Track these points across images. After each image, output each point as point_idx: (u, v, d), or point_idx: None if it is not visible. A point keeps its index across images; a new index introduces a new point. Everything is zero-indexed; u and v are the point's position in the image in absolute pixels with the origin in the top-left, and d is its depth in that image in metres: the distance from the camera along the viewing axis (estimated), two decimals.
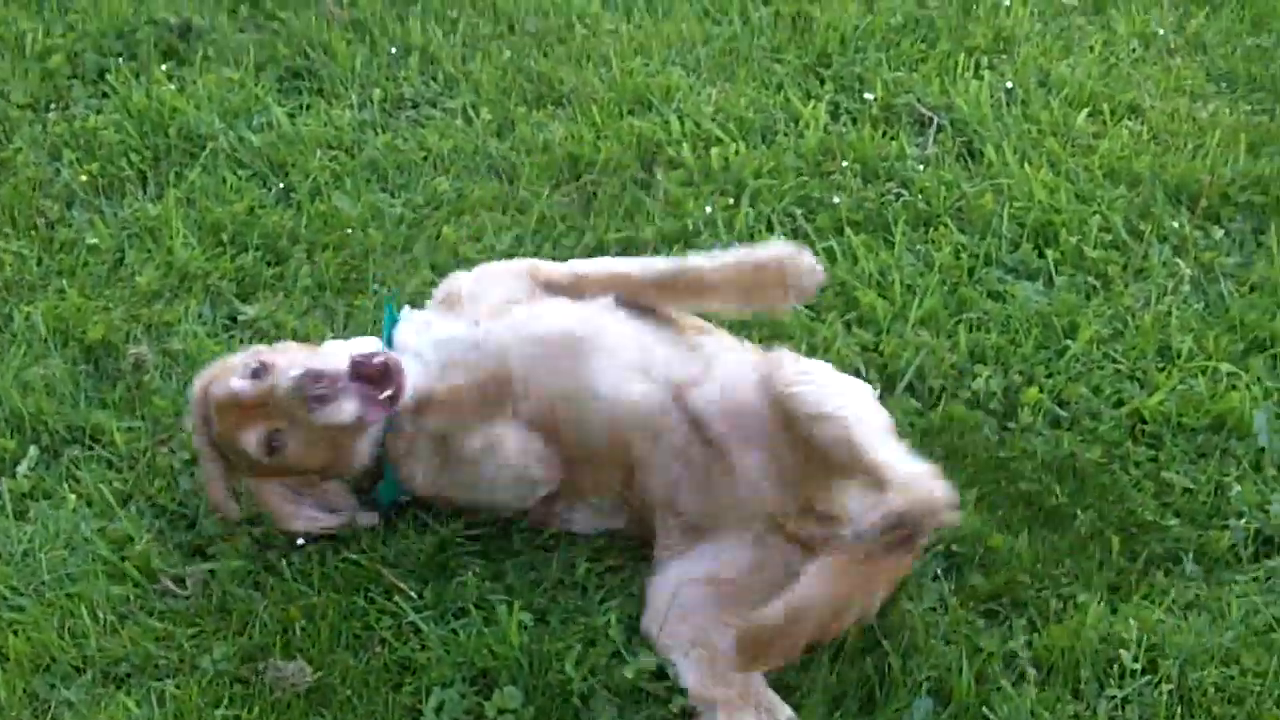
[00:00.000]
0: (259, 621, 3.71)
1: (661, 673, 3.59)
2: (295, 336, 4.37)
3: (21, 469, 4.11)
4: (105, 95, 5.57)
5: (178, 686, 3.53)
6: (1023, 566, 3.83)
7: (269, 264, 4.79)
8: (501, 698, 3.50)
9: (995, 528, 3.93)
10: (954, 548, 3.87)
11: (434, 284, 4.64)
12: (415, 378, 3.71)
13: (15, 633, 3.65)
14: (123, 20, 5.90)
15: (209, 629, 3.70)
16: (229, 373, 3.70)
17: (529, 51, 5.79)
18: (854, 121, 5.43)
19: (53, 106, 5.52)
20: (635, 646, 3.60)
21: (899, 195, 5.08)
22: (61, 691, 3.54)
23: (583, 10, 6.02)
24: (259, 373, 3.64)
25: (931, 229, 4.93)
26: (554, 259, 4.73)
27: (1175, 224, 4.97)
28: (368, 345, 3.79)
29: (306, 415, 3.57)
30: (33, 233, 4.93)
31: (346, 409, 3.59)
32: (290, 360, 3.66)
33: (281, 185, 5.12)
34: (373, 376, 3.60)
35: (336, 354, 3.70)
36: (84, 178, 5.14)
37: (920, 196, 5.04)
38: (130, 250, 4.84)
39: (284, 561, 3.83)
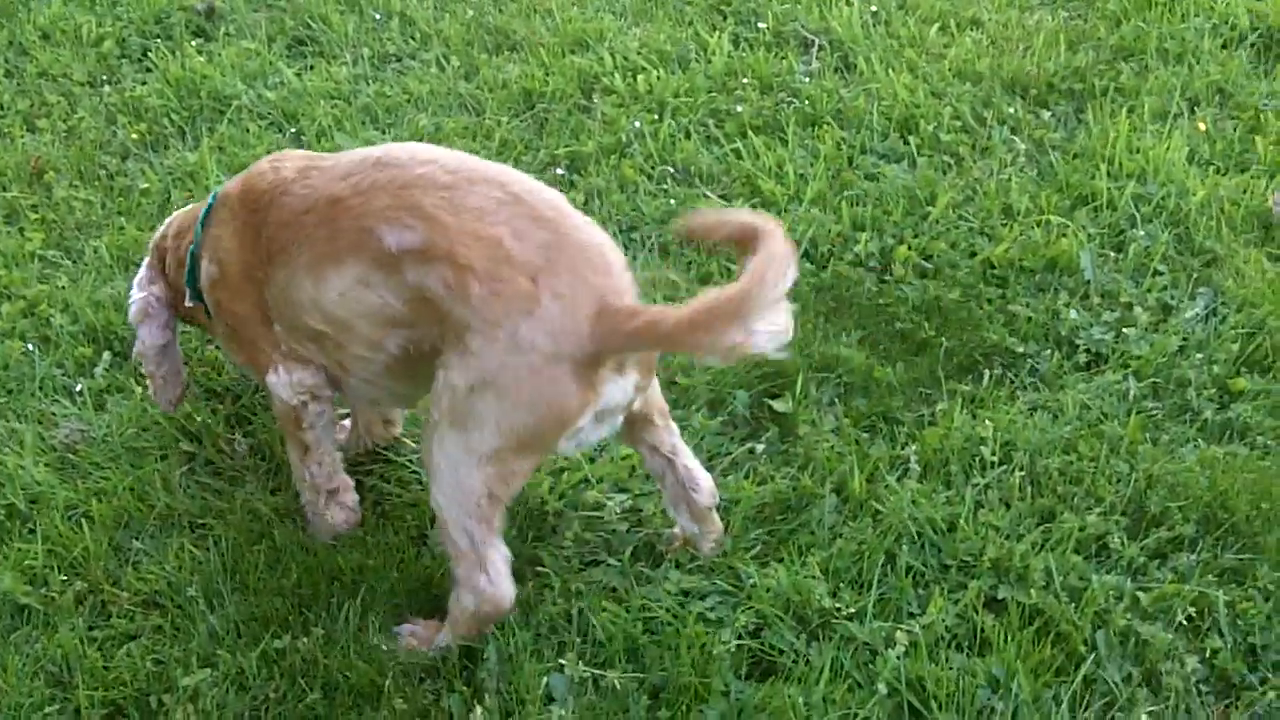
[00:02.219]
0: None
1: (616, 490, 3.53)
2: None
3: (99, 370, 4.01)
4: (149, 70, 5.41)
5: (227, 527, 3.47)
6: (900, 389, 3.77)
7: None
8: None
9: (877, 360, 3.86)
10: (844, 378, 3.81)
11: None
12: None
13: (99, 499, 3.57)
14: (159, 8, 5.72)
15: (256, 484, 3.63)
16: None
17: (487, 9, 5.63)
18: (751, 47, 5.29)
19: (107, 82, 5.36)
20: (593, 476, 3.54)
21: (790, 103, 4.95)
22: (136, 542, 3.47)
23: None
24: None
25: (817, 128, 4.81)
26: None
27: (1012, 110, 4.86)
28: None
29: None
30: (96, 182, 4.79)
31: None
32: None
33: (294, 130, 4.98)
34: None
35: None
36: (135, 136, 5.00)
37: (807, 103, 4.92)
38: (175, 191, 4.70)
39: None
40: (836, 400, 3.76)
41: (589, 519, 3.44)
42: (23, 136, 5.03)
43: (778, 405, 3.70)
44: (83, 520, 3.51)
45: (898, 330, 3.97)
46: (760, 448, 3.59)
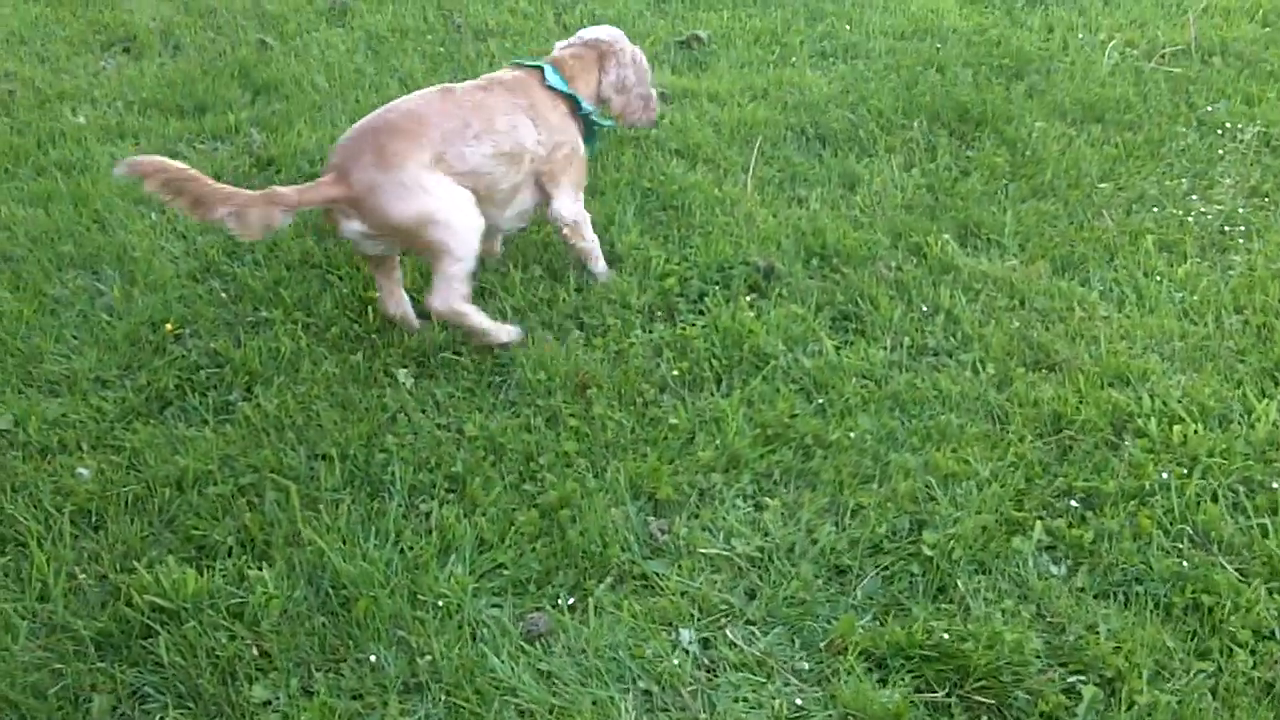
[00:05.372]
0: None
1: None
2: None
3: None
4: (701, 313, 5.80)
5: None
6: None
7: (803, 459, 4.87)
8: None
9: None
10: None
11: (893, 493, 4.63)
12: None
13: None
14: (724, 258, 6.15)
15: None
16: None
17: (1034, 324, 5.71)
18: None
19: (660, 315, 5.80)
20: None
21: None
22: None
23: (1083, 298, 5.91)
24: None
25: None
26: (1026, 497, 4.65)
27: None
28: None
29: None
30: (631, 407, 5.16)
31: None
32: None
33: (820, 401, 5.19)
34: None
35: None
36: (675, 372, 5.35)
37: None
38: (699, 432, 5.00)
39: None
40: None
41: None
42: (579, 351, 5.49)
43: None
44: None
45: None
46: None
